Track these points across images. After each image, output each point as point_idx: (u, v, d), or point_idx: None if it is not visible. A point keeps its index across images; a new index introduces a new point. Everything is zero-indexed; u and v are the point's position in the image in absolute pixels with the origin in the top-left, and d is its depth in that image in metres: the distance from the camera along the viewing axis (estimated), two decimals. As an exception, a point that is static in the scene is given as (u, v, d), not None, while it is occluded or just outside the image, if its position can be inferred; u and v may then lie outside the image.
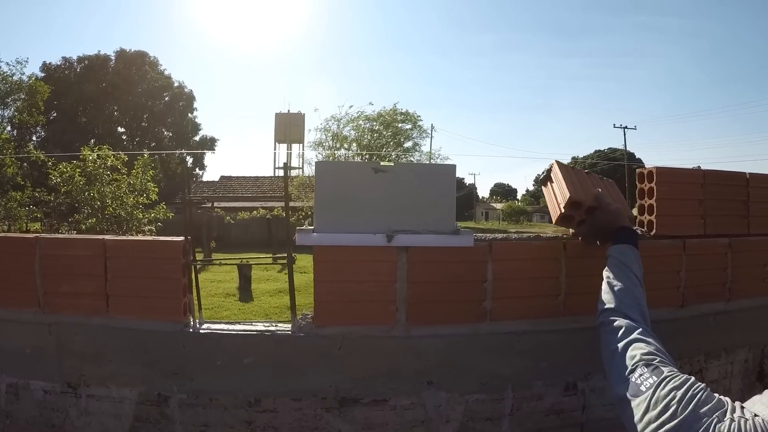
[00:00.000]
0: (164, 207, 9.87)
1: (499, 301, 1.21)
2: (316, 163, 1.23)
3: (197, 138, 41.27)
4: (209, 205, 19.86)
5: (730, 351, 1.46)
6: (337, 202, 1.15)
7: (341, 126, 19.54)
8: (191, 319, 1.27)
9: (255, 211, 17.46)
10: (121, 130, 38.16)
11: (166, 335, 1.24)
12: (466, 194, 58.75)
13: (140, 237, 1.34)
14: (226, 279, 9.58)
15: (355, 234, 1.14)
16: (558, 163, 1.28)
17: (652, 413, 0.78)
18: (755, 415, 0.71)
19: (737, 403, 0.75)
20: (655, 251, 1.34)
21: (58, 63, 35.77)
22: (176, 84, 40.10)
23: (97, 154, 8.22)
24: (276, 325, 1.23)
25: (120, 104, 36.09)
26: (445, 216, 1.17)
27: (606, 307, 1.03)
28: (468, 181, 61.70)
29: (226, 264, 9.48)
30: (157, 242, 1.25)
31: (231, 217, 17.08)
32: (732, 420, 0.71)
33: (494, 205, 63.92)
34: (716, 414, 0.73)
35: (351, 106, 22.59)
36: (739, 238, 1.48)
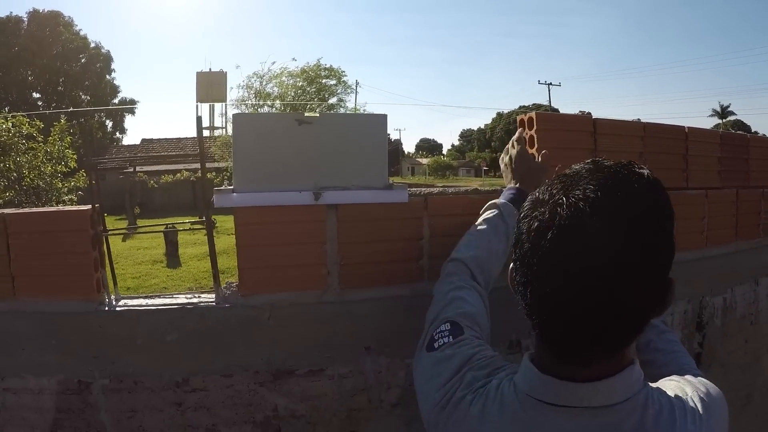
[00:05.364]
0: (84, 174, 8.99)
1: (439, 260, 1.15)
2: (233, 115, 1.12)
3: (116, 100, 39.78)
4: (131, 169, 18.95)
5: (670, 302, 1.44)
6: (258, 159, 1.05)
7: (264, 83, 19.23)
8: (106, 296, 1.16)
9: (179, 174, 16.82)
10: (36, 95, 36.42)
11: (80, 316, 1.13)
12: (392, 149, 58.44)
13: (43, 209, 1.20)
14: (152, 245, 9.28)
15: (279, 193, 1.04)
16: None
17: None
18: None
19: None
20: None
21: (-33, 26, 33.26)
22: (93, 45, 38.43)
23: (11, 123, 7.57)
24: (199, 297, 1.13)
25: (34, 68, 34.36)
26: (377, 170, 1.09)
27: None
28: (394, 136, 60.80)
29: (144, 232, 9.23)
30: (61, 213, 1.12)
31: (154, 181, 16.43)
32: None
33: (420, 160, 62.97)
34: None
35: (273, 62, 22.74)
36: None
